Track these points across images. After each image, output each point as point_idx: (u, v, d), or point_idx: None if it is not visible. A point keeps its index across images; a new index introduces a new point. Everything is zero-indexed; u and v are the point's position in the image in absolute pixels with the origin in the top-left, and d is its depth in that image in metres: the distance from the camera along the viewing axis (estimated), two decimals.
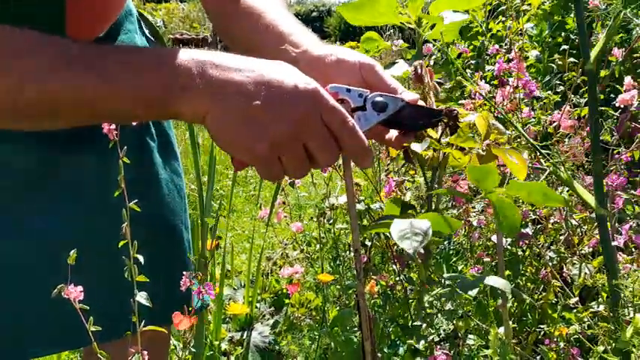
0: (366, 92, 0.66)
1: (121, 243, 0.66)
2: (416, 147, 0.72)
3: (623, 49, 1.10)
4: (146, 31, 1.05)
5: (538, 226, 1.37)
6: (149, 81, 0.60)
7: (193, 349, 1.20)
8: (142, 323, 0.68)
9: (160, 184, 0.97)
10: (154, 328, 0.68)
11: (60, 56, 0.60)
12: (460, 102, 1.39)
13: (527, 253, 1.38)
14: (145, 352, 0.73)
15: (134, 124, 0.92)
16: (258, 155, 0.61)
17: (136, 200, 0.68)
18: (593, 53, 0.75)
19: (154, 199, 0.95)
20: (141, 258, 0.66)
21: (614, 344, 0.85)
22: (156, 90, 0.59)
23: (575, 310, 1.15)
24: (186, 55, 0.61)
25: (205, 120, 0.60)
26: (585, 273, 1.12)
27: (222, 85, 0.59)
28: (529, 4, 1.83)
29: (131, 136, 0.92)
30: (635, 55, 1.54)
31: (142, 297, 0.67)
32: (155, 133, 0.99)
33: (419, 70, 0.75)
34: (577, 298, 1.13)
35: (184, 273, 0.77)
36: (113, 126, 0.67)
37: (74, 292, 0.62)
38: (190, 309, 0.79)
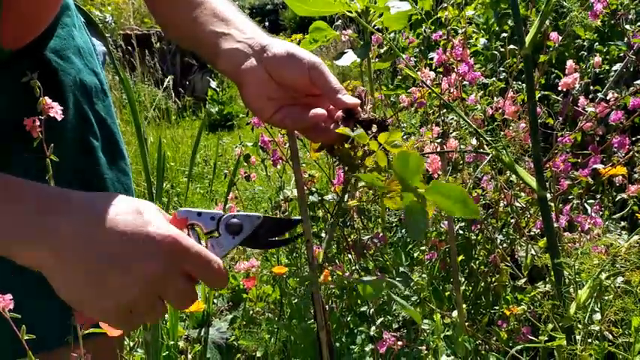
0: (219, 214, 0.62)
1: None
2: (350, 132, 0.72)
3: (557, 32, 1.12)
4: (82, 19, 1.02)
5: (489, 210, 1.40)
6: None
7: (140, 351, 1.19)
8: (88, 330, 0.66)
9: (105, 184, 0.94)
10: (94, 330, 0.66)
11: None
12: (409, 90, 1.40)
13: (479, 237, 1.41)
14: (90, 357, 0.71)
15: (74, 122, 0.90)
16: (107, 316, 0.56)
17: None
18: (528, 38, 0.77)
19: None
20: None
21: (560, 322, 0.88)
22: None
23: (524, 291, 1.18)
24: (32, 193, 0.55)
25: (45, 274, 0.54)
26: (532, 254, 1.15)
27: (64, 237, 0.53)
28: None
29: (71, 134, 0.89)
30: (577, 41, 1.59)
31: None
32: (99, 132, 0.97)
33: (362, 96, 0.77)
34: (526, 279, 1.16)
35: None
36: (37, 122, 0.64)
37: (2, 302, 0.57)
38: None
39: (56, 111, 0.71)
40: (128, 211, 0.56)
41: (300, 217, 0.71)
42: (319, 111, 0.74)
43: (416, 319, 0.89)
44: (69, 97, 0.90)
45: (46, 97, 0.72)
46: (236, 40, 0.77)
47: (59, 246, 0.53)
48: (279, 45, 0.76)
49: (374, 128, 0.73)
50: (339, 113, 0.75)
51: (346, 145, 0.75)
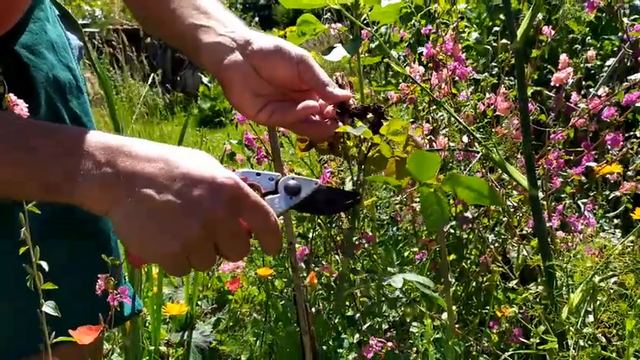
0: (277, 175, 0.63)
1: (22, 249, 0.61)
2: (354, 131, 0.70)
3: (550, 25, 1.09)
4: (56, 11, 0.98)
5: (481, 209, 1.37)
6: (52, 167, 0.54)
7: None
8: (53, 335, 0.63)
9: None
10: (64, 338, 0.62)
11: None
12: (399, 86, 1.37)
13: (471, 236, 1.38)
14: None
15: (46, 119, 0.86)
16: (164, 256, 0.55)
17: (34, 202, 0.62)
18: (520, 31, 0.74)
19: None
20: (44, 264, 0.60)
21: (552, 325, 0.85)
22: (57, 177, 0.54)
23: (516, 292, 1.16)
24: (95, 139, 0.55)
25: (109, 214, 0.55)
26: (523, 254, 1.12)
27: (130, 177, 0.54)
28: None
29: None
30: (570, 35, 1.55)
31: (49, 307, 0.61)
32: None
33: (340, 81, 0.75)
34: (517, 280, 1.13)
35: (99, 275, 0.71)
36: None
37: None
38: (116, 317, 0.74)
39: (21, 108, 0.67)
40: (193, 155, 0.57)
41: (357, 191, 0.70)
42: (310, 103, 0.71)
43: (441, 304, 0.88)
44: (41, 94, 0.87)
45: (11, 94, 0.68)
46: (218, 33, 0.74)
47: (124, 187, 0.54)
48: (264, 38, 0.73)
49: (369, 116, 0.71)
50: (329, 108, 0.72)
51: (349, 143, 0.74)
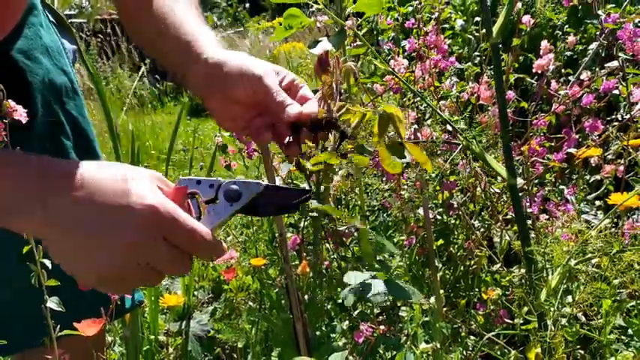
0: (218, 181, 0.62)
1: (26, 248, 0.64)
2: (284, 168, 0.73)
3: (530, 15, 1.12)
4: (50, 17, 1.00)
5: (468, 194, 1.41)
6: None
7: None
8: (57, 328, 0.67)
9: None
10: (69, 332, 0.66)
11: None
12: (384, 78, 1.40)
13: (457, 222, 1.42)
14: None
15: (44, 122, 0.89)
16: (101, 283, 0.57)
17: None
18: (496, 27, 0.77)
19: None
20: (48, 262, 0.64)
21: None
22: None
23: (499, 275, 1.20)
24: (29, 171, 0.57)
25: (42, 240, 0.58)
26: (506, 239, 1.16)
27: (54, 214, 0.56)
28: None
29: (42, 135, 0.89)
30: (551, 24, 1.58)
31: (53, 302, 0.65)
32: (70, 131, 0.96)
33: (325, 60, 0.75)
34: (501, 264, 1.17)
35: None
36: (2, 125, 0.64)
37: None
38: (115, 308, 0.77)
39: (20, 114, 0.70)
40: (112, 181, 0.57)
41: (308, 189, 0.71)
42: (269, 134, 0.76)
43: (415, 301, 0.92)
44: (37, 98, 0.89)
45: (10, 100, 0.71)
46: (197, 60, 0.77)
47: (49, 219, 0.56)
48: (232, 61, 0.76)
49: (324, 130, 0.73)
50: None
51: (309, 166, 0.77)
